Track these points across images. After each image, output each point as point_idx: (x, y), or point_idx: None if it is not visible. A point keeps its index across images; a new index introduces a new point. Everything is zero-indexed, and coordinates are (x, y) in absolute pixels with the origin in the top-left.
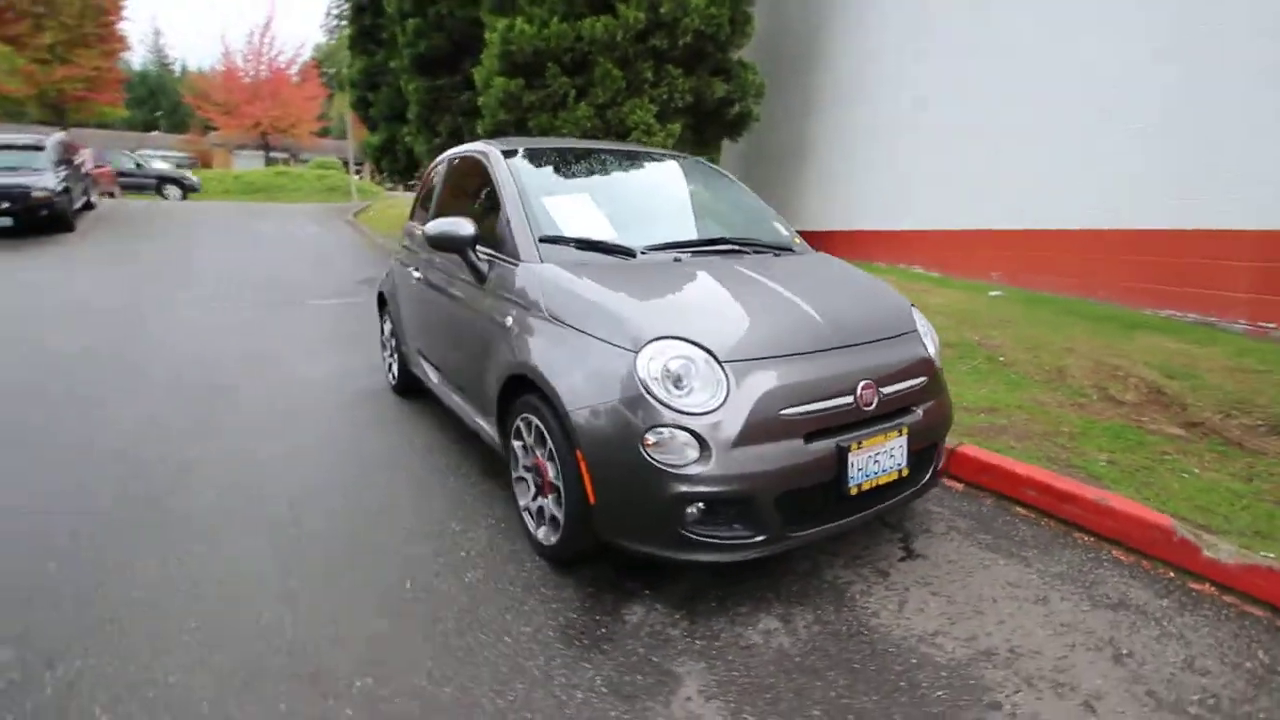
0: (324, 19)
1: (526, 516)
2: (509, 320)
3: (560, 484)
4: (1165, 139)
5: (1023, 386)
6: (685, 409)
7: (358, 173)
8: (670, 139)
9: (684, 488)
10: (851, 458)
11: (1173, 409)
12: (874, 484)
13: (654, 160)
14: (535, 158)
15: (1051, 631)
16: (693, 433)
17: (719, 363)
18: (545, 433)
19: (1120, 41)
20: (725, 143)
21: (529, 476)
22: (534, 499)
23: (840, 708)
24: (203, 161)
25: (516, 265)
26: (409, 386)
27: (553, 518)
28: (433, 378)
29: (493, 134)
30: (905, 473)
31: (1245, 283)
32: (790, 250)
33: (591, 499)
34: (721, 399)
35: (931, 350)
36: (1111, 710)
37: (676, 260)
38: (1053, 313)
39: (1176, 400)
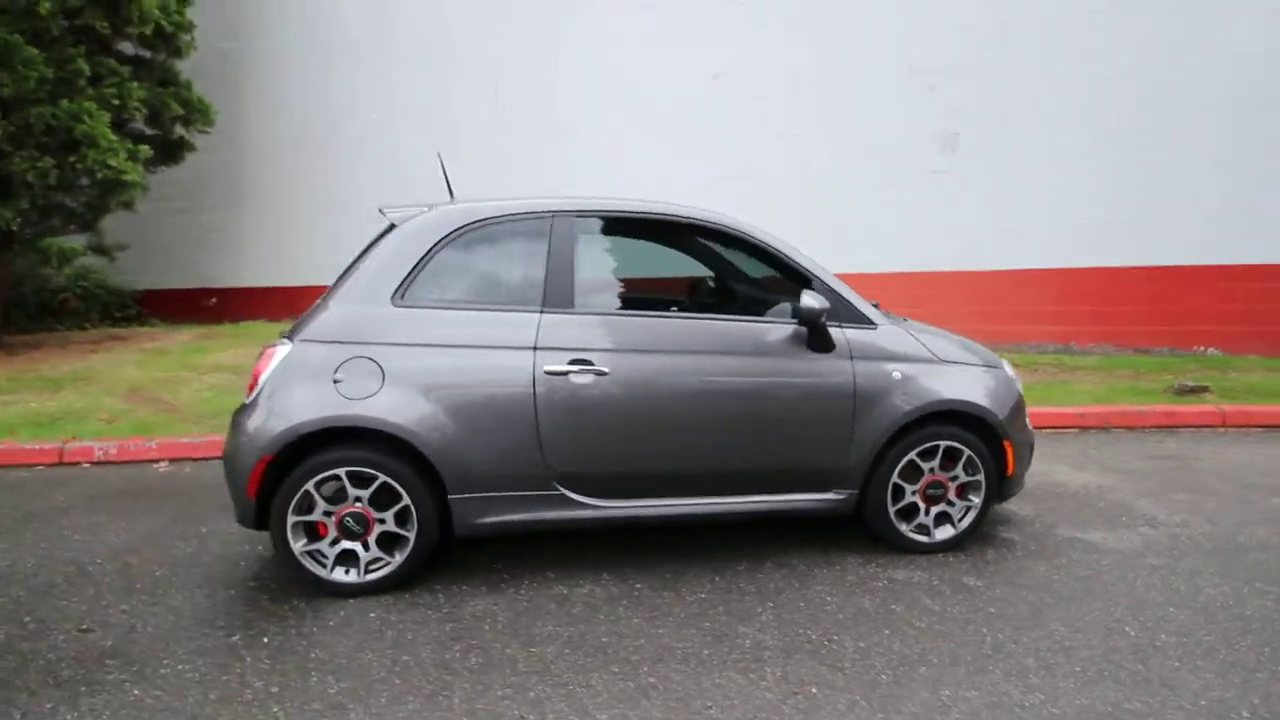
0: None
1: (915, 535)
2: (896, 374)
3: (981, 478)
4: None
5: None
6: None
7: None
8: (140, 161)
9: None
10: None
11: None
12: None
13: None
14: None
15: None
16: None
17: None
18: (959, 447)
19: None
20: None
21: (920, 500)
22: (926, 514)
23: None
24: None
25: (876, 328)
26: (433, 553)
27: (963, 516)
28: (643, 505)
29: None
30: None
31: None
32: None
33: (1010, 470)
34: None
35: None
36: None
37: (876, 305)
38: None
39: None
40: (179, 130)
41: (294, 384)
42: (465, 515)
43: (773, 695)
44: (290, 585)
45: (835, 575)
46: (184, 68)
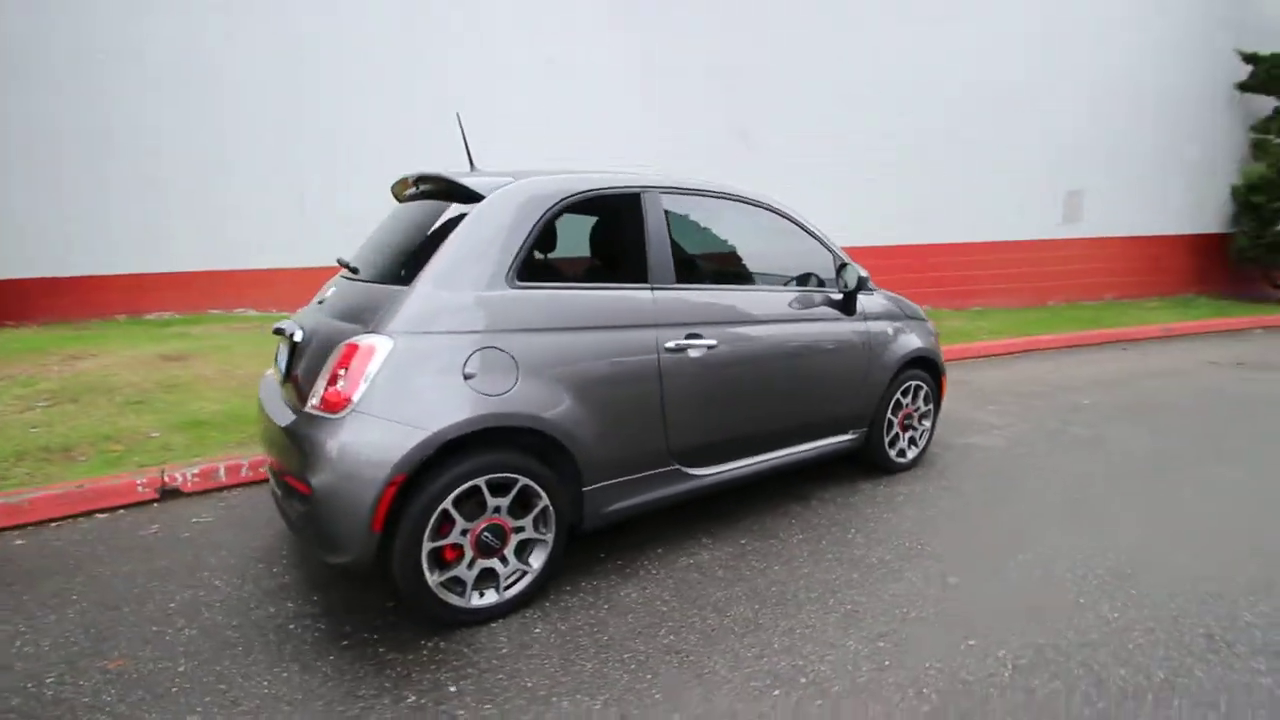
0: None
1: (898, 459)
2: (890, 330)
3: (932, 407)
4: None
5: None
6: None
7: None
8: None
9: None
10: None
11: None
12: None
13: None
14: None
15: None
16: None
17: None
18: (921, 384)
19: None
20: None
21: (899, 429)
22: (903, 439)
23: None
24: None
25: (873, 293)
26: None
27: (921, 437)
28: (731, 467)
29: None
30: None
31: None
32: None
33: (943, 396)
34: None
35: None
36: None
37: None
38: None
39: None
40: None
41: (415, 385)
42: (597, 506)
43: (934, 591)
44: (392, 630)
45: (867, 499)
46: None
